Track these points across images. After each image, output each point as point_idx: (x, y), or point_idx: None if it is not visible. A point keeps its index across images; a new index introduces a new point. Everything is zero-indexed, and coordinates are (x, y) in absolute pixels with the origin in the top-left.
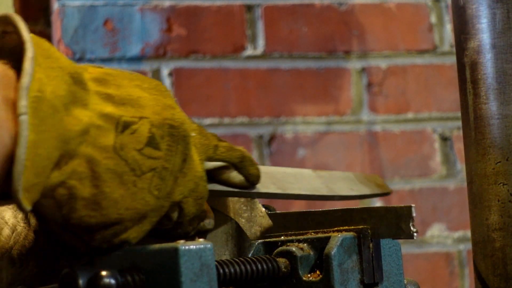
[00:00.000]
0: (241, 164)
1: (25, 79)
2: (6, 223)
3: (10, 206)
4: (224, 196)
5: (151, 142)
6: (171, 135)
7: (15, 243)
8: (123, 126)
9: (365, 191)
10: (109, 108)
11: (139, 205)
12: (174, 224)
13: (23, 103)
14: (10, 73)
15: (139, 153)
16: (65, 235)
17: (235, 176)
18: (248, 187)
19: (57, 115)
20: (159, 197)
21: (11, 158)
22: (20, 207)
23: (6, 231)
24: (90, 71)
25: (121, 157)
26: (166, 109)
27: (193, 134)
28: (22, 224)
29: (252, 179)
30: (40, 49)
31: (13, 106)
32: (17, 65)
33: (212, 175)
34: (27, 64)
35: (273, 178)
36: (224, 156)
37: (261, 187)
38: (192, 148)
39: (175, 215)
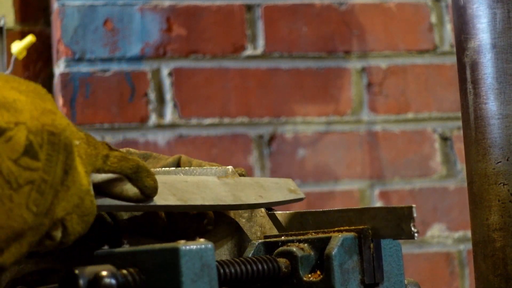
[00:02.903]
0: (135, 175)
1: None
2: None
3: None
4: (117, 211)
5: (29, 151)
6: (51, 143)
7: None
8: None
9: (276, 197)
10: None
11: (15, 223)
12: (58, 244)
13: None
14: None
15: (15, 163)
16: None
17: (129, 188)
18: (143, 200)
19: None
20: (38, 214)
21: None
22: None
23: None
24: None
25: None
26: (45, 114)
27: (77, 142)
28: None
29: (148, 192)
30: None
31: None
32: None
33: (103, 188)
34: None
35: (173, 188)
36: (115, 167)
37: (158, 200)
38: (76, 159)
39: (58, 234)
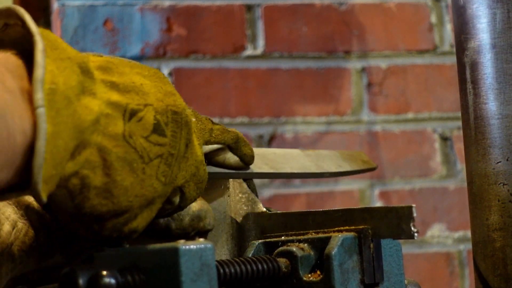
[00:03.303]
0: (235, 145)
1: (39, 71)
2: (7, 219)
3: (11, 202)
4: (221, 178)
5: (157, 129)
6: (175, 121)
7: (16, 239)
8: (130, 114)
9: (352, 167)
10: (115, 96)
11: (148, 192)
12: (176, 208)
13: (39, 96)
14: (22, 64)
15: (146, 140)
16: (75, 225)
17: (231, 157)
18: (243, 167)
19: (71, 106)
20: (166, 183)
21: (30, 149)
22: (38, 199)
23: (7, 227)
24: (93, 60)
25: (130, 145)
26: (167, 95)
27: (193, 119)
28: (22, 221)
29: (246, 160)
30: (47, 40)
31: (29, 96)
32: (22, 56)
33: (208, 158)
34: (39, 57)
35: (265, 158)
36: (219, 138)
37: (255, 168)
38: (193, 133)
39: (176, 199)
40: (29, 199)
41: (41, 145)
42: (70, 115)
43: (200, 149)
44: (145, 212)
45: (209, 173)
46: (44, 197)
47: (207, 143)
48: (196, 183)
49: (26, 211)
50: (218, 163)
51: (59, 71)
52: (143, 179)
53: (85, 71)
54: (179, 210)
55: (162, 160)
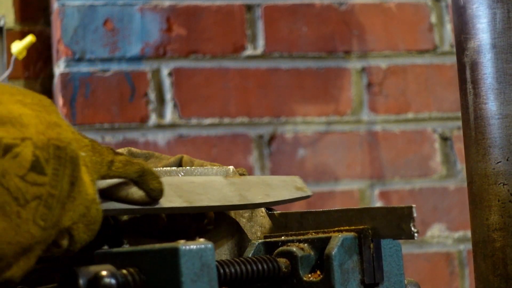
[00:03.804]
0: (140, 179)
1: None
2: None
3: None
4: (123, 214)
5: (36, 166)
6: (57, 158)
7: None
8: (4, 150)
9: (283, 196)
10: None
11: (23, 238)
12: (64, 251)
13: None
14: None
15: (22, 180)
16: None
17: (135, 192)
18: (150, 202)
19: None
20: (46, 228)
21: None
22: None
23: None
24: None
25: (2, 185)
26: (50, 127)
27: (82, 154)
28: None
29: (154, 194)
30: None
31: None
32: None
33: (109, 193)
34: None
35: (179, 190)
36: (120, 172)
37: (164, 202)
38: (82, 169)
39: (64, 242)
40: None
41: None
42: None
43: (93, 187)
44: (21, 261)
45: (108, 210)
46: None
47: (104, 177)
48: (87, 224)
49: None
50: (120, 199)
51: None
52: (18, 224)
53: None
54: (68, 254)
55: (41, 202)
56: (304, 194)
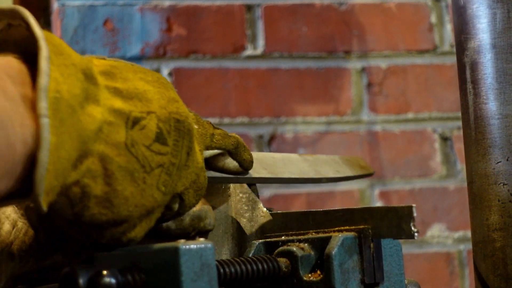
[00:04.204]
0: (235, 150)
1: (43, 79)
2: (7, 218)
3: None
4: (219, 183)
5: (159, 137)
6: (177, 130)
7: (15, 238)
8: (133, 122)
9: (350, 172)
10: (118, 103)
11: (147, 202)
12: (174, 214)
13: (43, 105)
14: (24, 69)
15: (148, 149)
16: (73, 231)
17: (230, 162)
18: (242, 172)
19: (75, 115)
20: (166, 193)
21: (31, 158)
22: (38, 209)
23: (7, 226)
24: (96, 64)
25: (132, 154)
26: (170, 102)
27: (196, 126)
28: (22, 220)
29: (246, 165)
30: (52, 45)
31: (31, 104)
32: (25, 59)
33: (208, 163)
34: (44, 64)
35: (264, 163)
36: (220, 144)
37: (253, 173)
38: (194, 141)
39: (175, 206)
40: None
41: (44, 155)
42: (74, 124)
43: (201, 156)
44: (144, 222)
45: (209, 178)
46: (44, 207)
47: (207, 148)
48: (196, 190)
49: (26, 211)
50: (217, 168)
51: (63, 78)
52: (143, 189)
53: (89, 77)
54: (177, 216)
55: (164, 169)
56: (368, 172)
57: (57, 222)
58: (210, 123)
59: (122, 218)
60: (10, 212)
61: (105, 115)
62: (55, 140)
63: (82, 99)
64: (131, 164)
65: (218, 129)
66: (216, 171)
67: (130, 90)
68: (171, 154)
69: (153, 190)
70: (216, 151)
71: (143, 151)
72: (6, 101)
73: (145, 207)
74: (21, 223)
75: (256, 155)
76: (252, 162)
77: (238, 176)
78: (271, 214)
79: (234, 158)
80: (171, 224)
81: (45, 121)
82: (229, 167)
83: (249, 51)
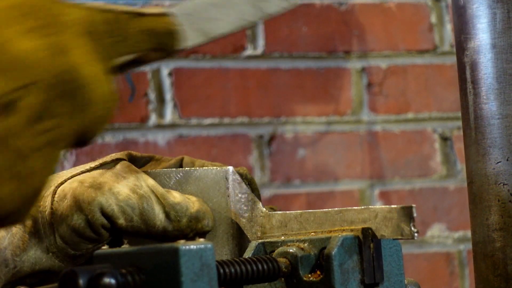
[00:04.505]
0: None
1: None
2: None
3: None
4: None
5: (43, 114)
6: (65, 95)
7: (10, 244)
8: (4, 107)
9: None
10: None
11: (33, 187)
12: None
13: None
14: None
15: (30, 133)
16: None
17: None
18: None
19: None
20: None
21: None
22: None
23: (1, 232)
24: None
25: (9, 148)
26: (57, 55)
27: (90, 68)
28: (17, 225)
29: (172, 51)
30: None
31: None
32: None
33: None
34: None
35: (196, 21)
36: (139, 46)
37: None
38: (91, 82)
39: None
40: None
41: None
42: None
43: (103, 73)
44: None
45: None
46: None
47: (122, 54)
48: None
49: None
50: (143, 60)
51: None
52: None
53: None
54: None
55: (52, 144)
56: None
57: None
58: (133, 12)
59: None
60: None
61: None
62: None
63: None
64: (6, 161)
65: (143, 18)
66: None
67: (3, 60)
68: (60, 125)
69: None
70: (131, 57)
71: (25, 139)
72: None
73: (32, 193)
74: (16, 228)
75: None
76: (176, 44)
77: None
78: (271, 214)
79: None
80: (167, 225)
81: None
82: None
83: (249, 51)
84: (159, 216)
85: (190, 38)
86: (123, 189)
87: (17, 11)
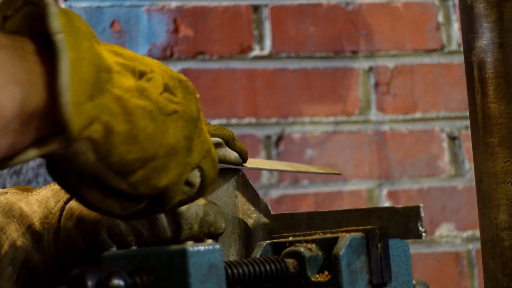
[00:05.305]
0: (233, 141)
1: (53, 8)
2: (7, 238)
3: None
4: (224, 168)
5: (167, 89)
6: (183, 87)
7: (14, 258)
8: (140, 74)
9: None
10: (121, 60)
11: (172, 141)
12: (197, 190)
13: (56, 24)
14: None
15: (160, 96)
16: (106, 203)
17: (231, 153)
18: (241, 164)
19: (89, 42)
20: (187, 137)
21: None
22: (67, 128)
23: (5, 248)
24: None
25: (145, 97)
26: (169, 70)
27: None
28: (22, 239)
29: (244, 155)
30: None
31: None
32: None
33: None
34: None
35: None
36: (218, 132)
37: (248, 164)
38: (200, 109)
39: (196, 179)
40: (32, 219)
41: (64, 64)
42: (90, 48)
43: (207, 133)
44: (172, 163)
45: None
46: (75, 125)
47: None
48: (212, 160)
49: (28, 229)
50: (219, 159)
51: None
52: (165, 130)
53: (92, 35)
54: (200, 194)
55: (179, 116)
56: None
57: (87, 197)
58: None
59: (149, 155)
60: (12, 231)
61: (112, 64)
62: (74, 55)
63: (91, 36)
64: (147, 104)
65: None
66: (219, 162)
67: (130, 55)
68: (183, 104)
69: (175, 132)
70: (215, 139)
71: (156, 96)
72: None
73: (170, 146)
74: (21, 242)
75: None
76: (247, 153)
77: (239, 166)
78: (278, 215)
79: (232, 149)
80: (179, 234)
81: (60, 37)
82: (231, 158)
83: (256, 52)
84: (169, 227)
85: (251, 161)
86: None
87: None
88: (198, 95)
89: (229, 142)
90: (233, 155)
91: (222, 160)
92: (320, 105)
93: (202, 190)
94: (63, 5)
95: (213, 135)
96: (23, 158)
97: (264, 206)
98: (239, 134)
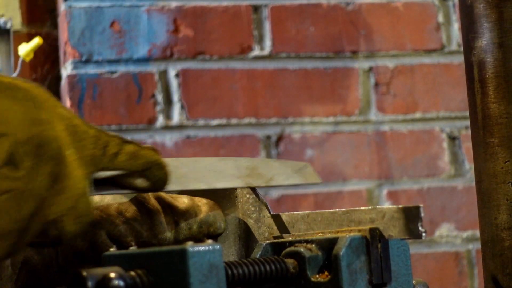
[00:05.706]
0: (146, 172)
1: None
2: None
3: None
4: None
5: (11, 160)
6: (37, 155)
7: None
8: None
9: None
10: None
11: None
12: (52, 240)
13: None
14: None
15: None
16: None
17: (140, 182)
18: (155, 190)
19: None
20: (17, 220)
21: None
22: None
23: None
24: None
25: None
26: (35, 124)
27: (68, 152)
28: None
29: (157, 185)
30: None
31: None
32: None
33: (114, 180)
34: None
35: (179, 173)
36: (123, 165)
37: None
38: (70, 165)
39: (53, 231)
40: None
41: None
42: None
43: (84, 181)
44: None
45: (110, 193)
46: None
47: (105, 169)
48: (76, 217)
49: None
50: (126, 186)
51: None
52: None
53: None
54: (57, 244)
55: (12, 195)
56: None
57: None
58: (121, 140)
59: None
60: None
61: None
62: None
63: None
64: None
65: (129, 145)
66: (126, 189)
67: None
68: (25, 180)
69: (4, 215)
70: (117, 172)
71: None
72: None
73: None
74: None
75: (180, 162)
76: (165, 182)
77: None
78: (278, 215)
79: (145, 179)
80: (178, 234)
81: None
82: (140, 186)
83: (256, 52)
84: (168, 227)
85: (171, 184)
86: (130, 207)
87: (14, 88)
88: (68, 152)
89: (141, 173)
90: (142, 184)
91: (128, 187)
92: (320, 105)
93: (58, 241)
94: (62, 6)
95: (113, 169)
96: None
97: (264, 206)
98: (239, 134)
